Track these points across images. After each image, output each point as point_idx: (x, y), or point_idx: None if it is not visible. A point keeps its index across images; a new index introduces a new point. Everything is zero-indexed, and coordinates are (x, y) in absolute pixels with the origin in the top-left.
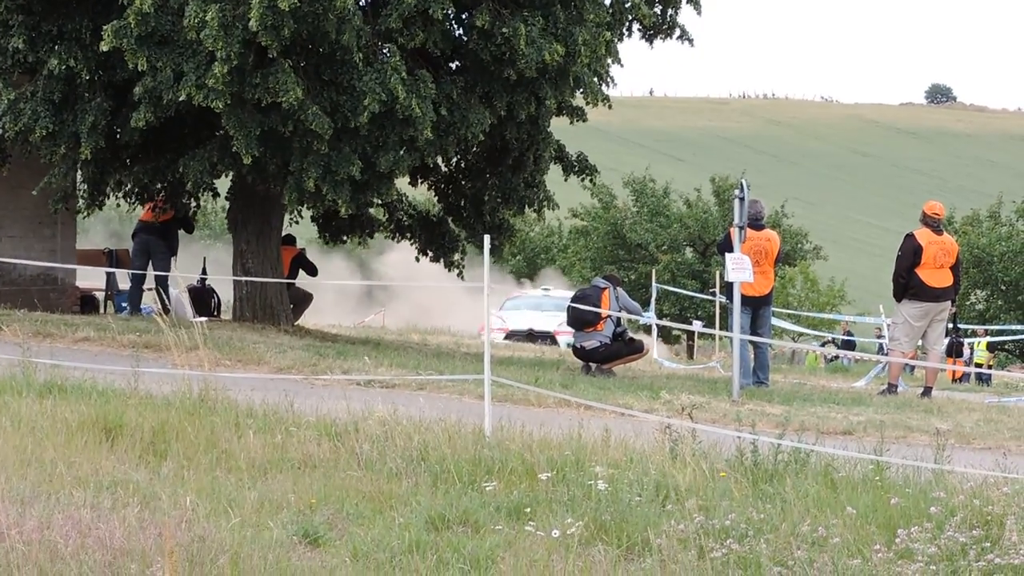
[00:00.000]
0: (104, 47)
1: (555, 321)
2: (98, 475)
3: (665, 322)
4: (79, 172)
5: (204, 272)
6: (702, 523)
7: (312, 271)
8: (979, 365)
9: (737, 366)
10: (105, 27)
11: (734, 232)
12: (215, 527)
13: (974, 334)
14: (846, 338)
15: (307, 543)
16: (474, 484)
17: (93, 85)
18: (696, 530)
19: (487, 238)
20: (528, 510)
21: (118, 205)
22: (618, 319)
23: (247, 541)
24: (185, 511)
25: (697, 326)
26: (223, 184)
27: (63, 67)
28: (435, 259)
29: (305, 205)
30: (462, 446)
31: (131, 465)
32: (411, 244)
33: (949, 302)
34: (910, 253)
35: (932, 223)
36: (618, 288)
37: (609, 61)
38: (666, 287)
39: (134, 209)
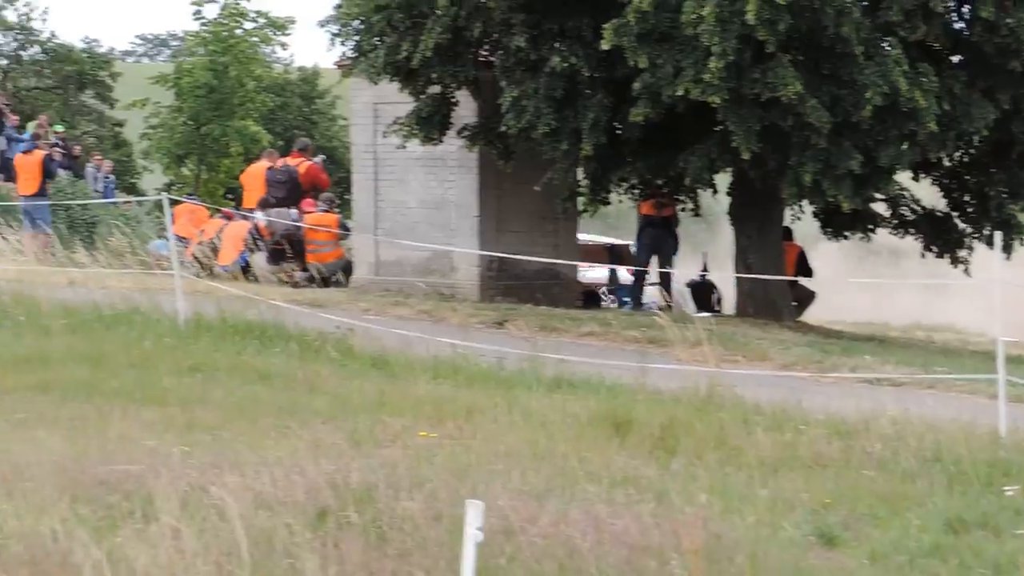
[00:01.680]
0: (604, 45)
1: None
2: (609, 470)
3: None
4: (580, 168)
5: (704, 268)
6: None
7: (808, 273)
8: None
9: None
10: (605, 25)
11: None
12: (729, 525)
13: None
14: None
15: (822, 543)
16: (991, 486)
17: (593, 82)
18: None
19: (998, 235)
20: None
21: (620, 201)
22: None
23: (762, 540)
24: (699, 508)
25: None
26: (721, 179)
27: (565, 65)
28: (940, 255)
29: (806, 200)
30: (977, 447)
31: (641, 461)
32: (915, 239)
33: None
34: None
35: None
36: None
37: None
38: None
39: (634, 204)
